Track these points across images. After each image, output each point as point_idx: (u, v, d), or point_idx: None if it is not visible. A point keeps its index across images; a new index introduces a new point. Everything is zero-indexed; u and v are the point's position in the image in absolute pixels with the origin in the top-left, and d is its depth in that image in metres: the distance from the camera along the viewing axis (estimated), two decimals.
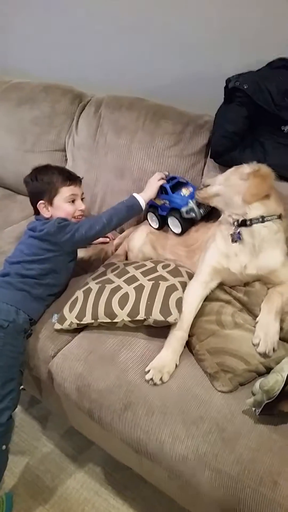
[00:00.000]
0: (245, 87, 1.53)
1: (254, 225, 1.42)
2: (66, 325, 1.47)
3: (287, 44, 1.60)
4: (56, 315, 1.52)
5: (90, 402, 1.33)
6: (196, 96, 1.92)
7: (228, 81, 1.58)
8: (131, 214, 1.61)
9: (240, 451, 1.11)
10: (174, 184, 1.69)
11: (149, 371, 1.30)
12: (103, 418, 1.31)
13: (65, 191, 1.61)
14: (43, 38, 2.44)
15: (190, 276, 1.52)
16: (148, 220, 1.82)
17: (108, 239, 1.93)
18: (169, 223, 1.73)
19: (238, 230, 1.45)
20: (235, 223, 1.46)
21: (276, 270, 1.43)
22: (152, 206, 1.76)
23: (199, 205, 1.64)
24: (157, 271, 1.51)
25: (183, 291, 1.45)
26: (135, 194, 1.61)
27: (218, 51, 1.82)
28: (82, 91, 2.20)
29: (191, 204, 1.64)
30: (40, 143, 2.21)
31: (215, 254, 1.48)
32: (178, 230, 1.70)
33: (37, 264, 1.53)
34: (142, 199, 1.60)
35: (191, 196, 1.66)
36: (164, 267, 1.54)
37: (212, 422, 1.18)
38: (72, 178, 1.65)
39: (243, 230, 1.44)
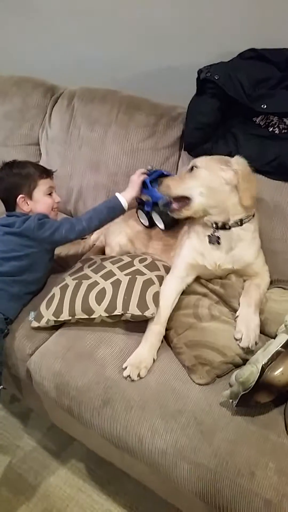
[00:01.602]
0: (216, 78, 1.51)
1: (233, 229, 1.42)
2: (43, 322, 1.45)
3: (257, 35, 1.60)
4: (32, 312, 1.50)
5: (69, 399, 1.33)
6: (169, 87, 1.90)
7: (199, 72, 1.57)
8: (112, 216, 1.55)
9: (218, 444, 1.12)
10: (156, 177, 1.58)
11: (126, 367, 1.29)
12: (82, 415, 1.30)
13: (43, 184, 1.61)
14: (12, 30, 2.39)
15: (167, 269, 1.52)
16: (138, 218, 1.73)
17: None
18: (154, 219, 1.64)
19: (217, 234, 1.42)
20: (214, 225, 1.43)
21: (251, 263, 1.44)
22: (140, 203, 1.67)
23: None
24: (134, 266, 1.50)
25: (160, 285, 1.44)
26: (117, 194, 1.55)
27: (190, 42, 1.81)
28: (54, 83, 2.15)
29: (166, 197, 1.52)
30: (13, 137, 2.17)
31: (190, 251, 1.47)
32: (161, 225, 1.62)
33: (14, 261, 1.50)
34: (124, 199, 1.54)
35: None
36: (141, 261, 1.53)
37: (190, 415, 1.18)
38: (48, 171, 1.66)
39: (221, 233, 1.42)
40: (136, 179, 1.59)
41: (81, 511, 1.49)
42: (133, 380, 1.27)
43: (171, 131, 1.77)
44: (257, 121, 1.55)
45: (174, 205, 1.45)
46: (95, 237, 1.88)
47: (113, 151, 1.88)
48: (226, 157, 1.46)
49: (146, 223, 1.70)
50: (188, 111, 1.65)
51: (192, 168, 1.44)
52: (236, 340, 1.31)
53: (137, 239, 1.73)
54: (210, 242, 1.44)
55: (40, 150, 2.15)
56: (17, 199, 1.59)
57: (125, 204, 1.54)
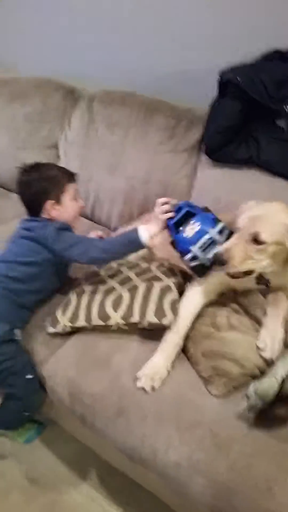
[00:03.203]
0: (239, 79, 1.48)
1: None
2: (59, 328, 1.43)
3: (280, 36, 1.56)
4: (48, 318, 1.48)
5: (82, 407, 1.30)
6: (189, 90, 1.87)
7: (221, 74, 1.54)
8: (128, 250, 1.42)
9: (234, 457, 1.08)
10: (180, 217, 1.33)
11: (140, 378, 1.26)
12: (96, 424, 1.28)
13: (71, 188, 1.55)
14: (34, 32, 2.39)
15: (185, 276, 1.48)
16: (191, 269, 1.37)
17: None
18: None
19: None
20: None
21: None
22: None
23: (210, 244, 1.28)
24: (151, 271, 1.47)
25: (178, 291, 1.41)
26: (140, 227, 1.35)
27: (211, 43, 1.78)
28: (74, 86, 2.15)
29: (194, 250, 1.28)
30: (32, 140, 2.17)
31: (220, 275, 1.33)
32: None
33: (25, 266, 1.45)
34: (146, 233, 1.34)
35: (198, 236, 1.28)
36: (158, 266, 1.50)
37: (206, 428, 1.15)
38: (73, 174, 1.59)
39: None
40: (160, 215, 1.37)
41: None
42: (146, 392, 1.24)
43: (191, 133, 1.74)
44: (280, 124, 1.51)
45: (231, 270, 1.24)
46: None
47: (132, 154, 1.86)
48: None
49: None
50: (209, 114, 1.62)
51: (256, 239, 1.20)
52: (259, 349, 1.26)
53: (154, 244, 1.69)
54: (258, 283, 1.32)
55: (58, 153, 2.14)
56: (46, 204, 1.51)
57: (145, 239, 1.34)
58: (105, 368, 1.33)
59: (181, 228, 1.31)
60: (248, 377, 1.24)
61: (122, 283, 1.45)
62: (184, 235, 1.30)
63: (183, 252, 1.32)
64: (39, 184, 1.52)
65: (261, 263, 1.22)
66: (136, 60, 2.04)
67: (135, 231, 1.35)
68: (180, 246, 1.32)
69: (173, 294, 1.40)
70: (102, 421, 1.26)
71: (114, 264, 1.58)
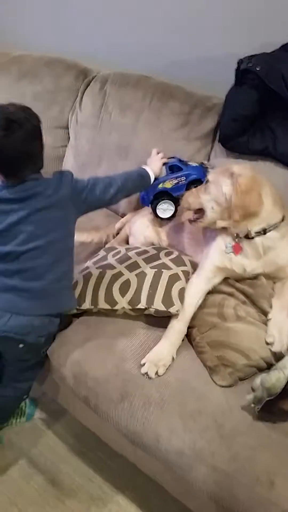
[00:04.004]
0: (257, 69, 1.45)
1: (256, 238, 1.36)
2: None
3: None
4: None
5: (86, 389, 1.31)
6: (205, 76, 1.83)
7: (240, 62, 1.51)
8: (142, 185, 1.45)
9: (237, 449, 1.09)
10: (180, 160, 1.59)
11: (144, 364, 1.27)
12: (99, 406, 1.29)
13: None
14: (47, 10, 2.33)
15: (194, 265, 1.48)
16: (158, 213, 1.60)
17: None
18: (157, 208, 1.58)
19: (231, 244, 1.39)
20: (236, 236, 1.38)
21: (284, 266, 1.39)
22: (160, 194, 1.55)
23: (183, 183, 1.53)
24: (160, 259, 1.46)
25: (186, 281, 1.41)
26: (143, 166, 1.48)
27: (230, 30, 1.73)
28: (87, 66, 2.10)
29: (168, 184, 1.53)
30: (42, 119, 2.12)
31: (218, 254, 1.41)
32: (168, 214, 1.59)
33: (60, 243, 1.26)
34: (151, 172, 1.46)
35: (200, 166, 1.57)
36: (167, 254, 1.49)
37: (210, 417, 1.15)
38: None
39: (245, 242, 1.37)
40: (157, 160, 1.54)
41: (90, 500, 1.48)
42: (150, 378, 1.25)
43: (205, 121, 1.71)
44: None
45: (192, 216, 1.48)
46: (118, 226, 1.85)
47: (143, 138, 1.83)
48: (235, 166, 1.37)
49: (171, 213, 1.60)
50: (225, 102, 1.59)
51: (207, 182, 1.43)
52: (268, 344, 1.27)
53: (162, 230, 1.69)
54: (226, 251, 1.40)
55: (68, 133, 2.11)
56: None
57: (152, 176, 1.46)
58: (110, 352, 1.33)
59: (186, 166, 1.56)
60: (253, 369, 1.25)
61: (130, 268, 1.44)
62: (194, 165, 1.56)
63: (197, 179, 1.52)
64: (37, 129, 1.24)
65: (208, 203, 1.40)
66: (153, 43, 1.99)
67: (140, 168, 1.47)
68: (195, 174, 1.52)
69: (182, 282, 1.39)
70: (105, 404, 1.26)
71: (121, 249, 1.58)
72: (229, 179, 1.34)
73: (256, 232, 1.35)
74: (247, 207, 1.30)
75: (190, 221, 1.49)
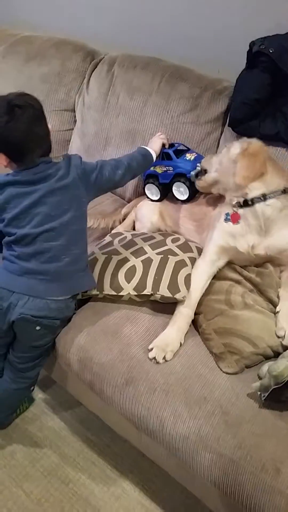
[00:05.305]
0: (270, 51, 1.41)
1: (256, 205, 1.35)
2: None
3: None
4: None
5: (91, 374, 1.31)
6: (215, 59, 1.79)
7: (252, 44, 1.47)
8: (145, 163, 1.48)
9: (243, 436, 1.09)
10: (175, 150, 1.63)
11: (152, 349, 1.26)
12: (104, 391, 1.28)
13: None
14: None
15: (200, 251, 1.46)
16: (146, 193, 1.72)
17: None
18: (173, 190, 1.64)
19: (227, 212, 1.42)
20: (236, 204, 1.39)
21: (286, 250, 1.37)
22: (150, 176, 1.67)
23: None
24: (166, 245, 1.45)
25: (193, 267, 1.39)
26: (143, 146, 1.53)
27: (242, 11, 1.68)
28: (94, 48, 2.07)
29: (199, 167, 1.56)
30: (48, 102, 2.09)
31: (221, 233, 1.42)
32: (184, 196, 1.62)
33: (75, 225, 1.28)
34: (153, 151, 1.51)
35: (198, 159, 1.59)
36: (173, 241, 1.48)
37: (216, 404, 1.15)
38: None
39: (246, 211, 1.37)
40: (158, 140, 1.60)
41: (94, 483, 1.49)
42: (158, 363, 1.24)
43: (215, 105, 1.67)
44: None
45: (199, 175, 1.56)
46: (125, 211, 1.84)
47: (151, 122, 1.80)
48: (253, 139, 1.43)
49: (157, 197, 1.70)
50: (236, 85, 1.55)
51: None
52: (279, 337, 1.25)
53: (169, 217, 1.68)
54: (225, 220, 1.42)
55: (75, 116, 2.08)
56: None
57: (154, 155, 1.51)
58: (115, 337, 1.33)
59: (181, 156, 1.62)
60: (260, 356, 1.24)
61: (136, 254, 1.43)
62: (187, 158, 1.60)
63: (181, 173, 1.59)
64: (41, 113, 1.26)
65: (214, 164, 1.49)
66: (162, 24, 1.95)
67: (141, 148, 1.51)
68: (181, 168, 1.58)
69: (188, 269, 1.39)
70: (110, 389, 1.26)
71: (127, 234, 1.56)
72: (239, 143, 1.42)
73: (256, 198, 1.35)
74: (251, 167, 1.34)
75: (195, 179, 1.56)
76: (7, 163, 1.25)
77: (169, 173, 1.61)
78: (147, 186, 1.70)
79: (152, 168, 1.64)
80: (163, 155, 1.62)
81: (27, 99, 1.22)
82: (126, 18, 2.07)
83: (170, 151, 1.61)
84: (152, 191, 1.71)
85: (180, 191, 1.63)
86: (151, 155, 1.49)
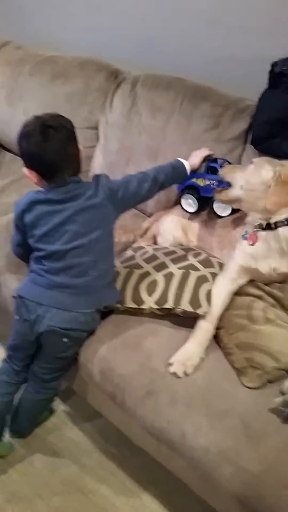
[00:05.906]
0: None
1: (280, 229, 1.37)
2: None
3: None
4: None
5: (113, 386, 1.33)
6: (237, 78, 1.83)
7: (274, 65, 1.51)
8: (176, 176, 1.47)
9: (264, 450, 1.09)
10: (221, 165, 1.61)
11: (172, 363, 1.28)
12: (125, 402, 1.31)
13: None
14: (79, 12, 2.37)
15: (221, 267, 1.48)
16: (181, 203, 1.73)
17: None
18: (214, 206, 1.63)
19: (246, 230, 1.44)
20: (258, 226, 1.41)
21: None
22: (190, 187, 1.66)
23: None
24: (188, 260, 1.48)
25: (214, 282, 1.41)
26: (178, 158, 1.50)
27: (265, 32, 1.73)
28: (118, 67, 2.13)
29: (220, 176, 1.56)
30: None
31: (242, 254, 1.43)
32: (227, 212, 1.61)
33: (102, 243, 1.33)
34: (187, 163, 1.49)
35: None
36: (195, 255, 1.50)
37: (237, 418, 1.16)
38: None
39: (268, 234, 1.39)
40: (201, 154, 1.58)
41: (113, 495, 1.50)
42: (179, 377, 1.26)
43: (236, 123, 1.71)
44: None
45: (219, 187, 1.54)
46: (146, 225, 1.86)
47: (173, 140, 1.84)
48: (284, 161, 1.43)
49: (194, 209, 1.69)
50: (258, 104, 1.59)
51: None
52: None
53: (191, 232, 1.70)
54: (242, 236, 1.44)
55: (98, 134, 2.13)
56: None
57: (188, 169, 1.49)
58: (136, 350, 1.35)
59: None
60: (283, 372, 1.25)
61: (158, 269, 1.46)
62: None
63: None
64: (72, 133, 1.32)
65: (239, 180, 1.47)
66: (185, 44, 2.00)
67: (176, 160, 1.49)
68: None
69: (209, 284, 1.41)
70: (131, 400, 1.28)
71: (149, 249, 1.59)
72: (271, 166, 1.40)
73: (279, 222, 1.37)
74: (284, 194, 1.35)
75: (216, 190, 1.55)
76: (38, 180, 1.32)
77: (211, 187, 1.60)
78: (184, 196, 1.70)
79: (193, 180, 1.63)
80: (208, 169, 1.62)
81: (60, 121, 1.30)
82: (149, 38, 2.13)
83: (218, 165, 1.60)
84: (189, 202, 1.70)
85: (222, 207, 1.62)
86: (183, 167, 1.48)
